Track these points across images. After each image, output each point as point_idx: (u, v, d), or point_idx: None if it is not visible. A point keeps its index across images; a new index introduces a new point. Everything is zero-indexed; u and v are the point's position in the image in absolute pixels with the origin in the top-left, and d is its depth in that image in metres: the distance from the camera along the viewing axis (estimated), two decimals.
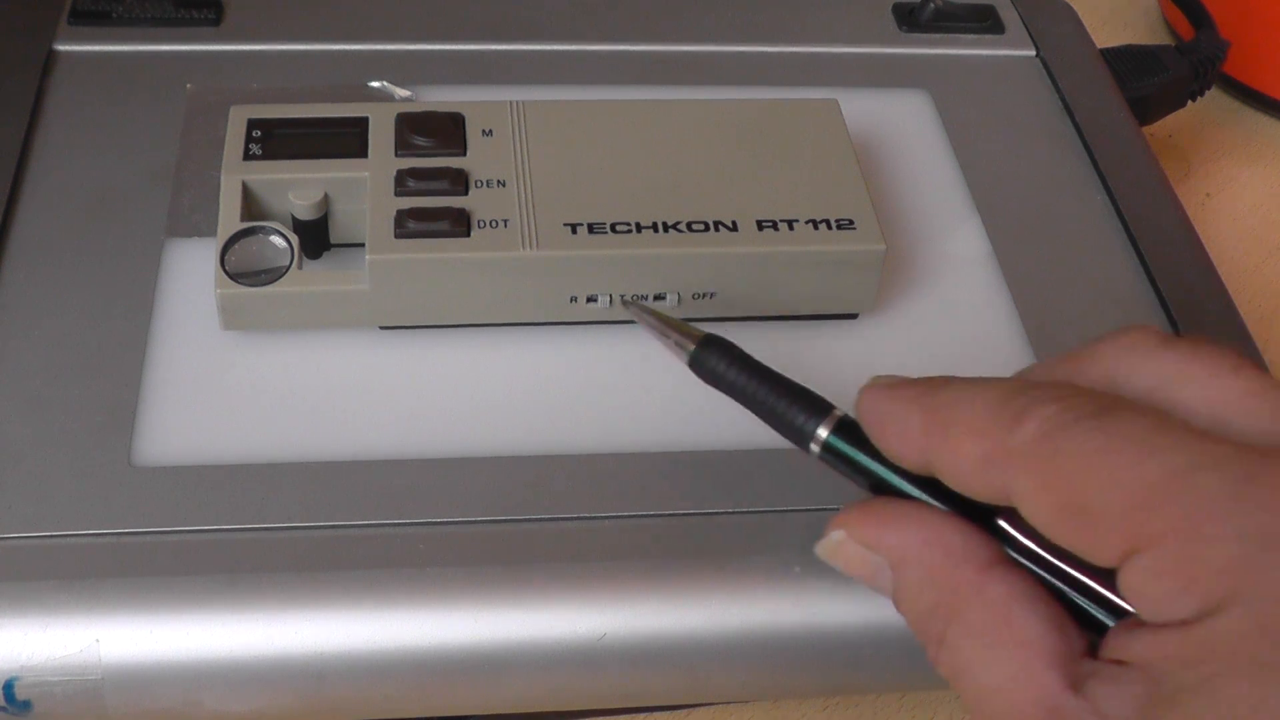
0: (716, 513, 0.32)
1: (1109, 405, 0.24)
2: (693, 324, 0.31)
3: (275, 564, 0.30)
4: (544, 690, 0.31)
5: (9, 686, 0.29)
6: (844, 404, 0.29)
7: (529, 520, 0.32)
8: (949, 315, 0.38)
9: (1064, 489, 0.24)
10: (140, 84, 0.42)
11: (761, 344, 0.36)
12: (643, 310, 0.32)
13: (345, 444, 0.33)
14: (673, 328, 0.31)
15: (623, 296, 0.34)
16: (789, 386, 0.30)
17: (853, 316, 0.37)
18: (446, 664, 0.30)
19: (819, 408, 0.29)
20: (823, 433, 0.29)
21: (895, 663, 0.30)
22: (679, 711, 0.38)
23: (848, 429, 0.29)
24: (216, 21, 0.44)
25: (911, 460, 0.27)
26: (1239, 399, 0.25)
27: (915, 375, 0.28)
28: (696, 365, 0.31)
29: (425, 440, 0.33)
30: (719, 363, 0.30)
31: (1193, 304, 0.38)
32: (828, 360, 0.36)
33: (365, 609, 0.30)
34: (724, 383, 0.30)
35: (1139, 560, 0.23)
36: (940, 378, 0.27)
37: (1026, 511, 0.25)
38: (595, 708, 0.36)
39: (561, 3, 0.47)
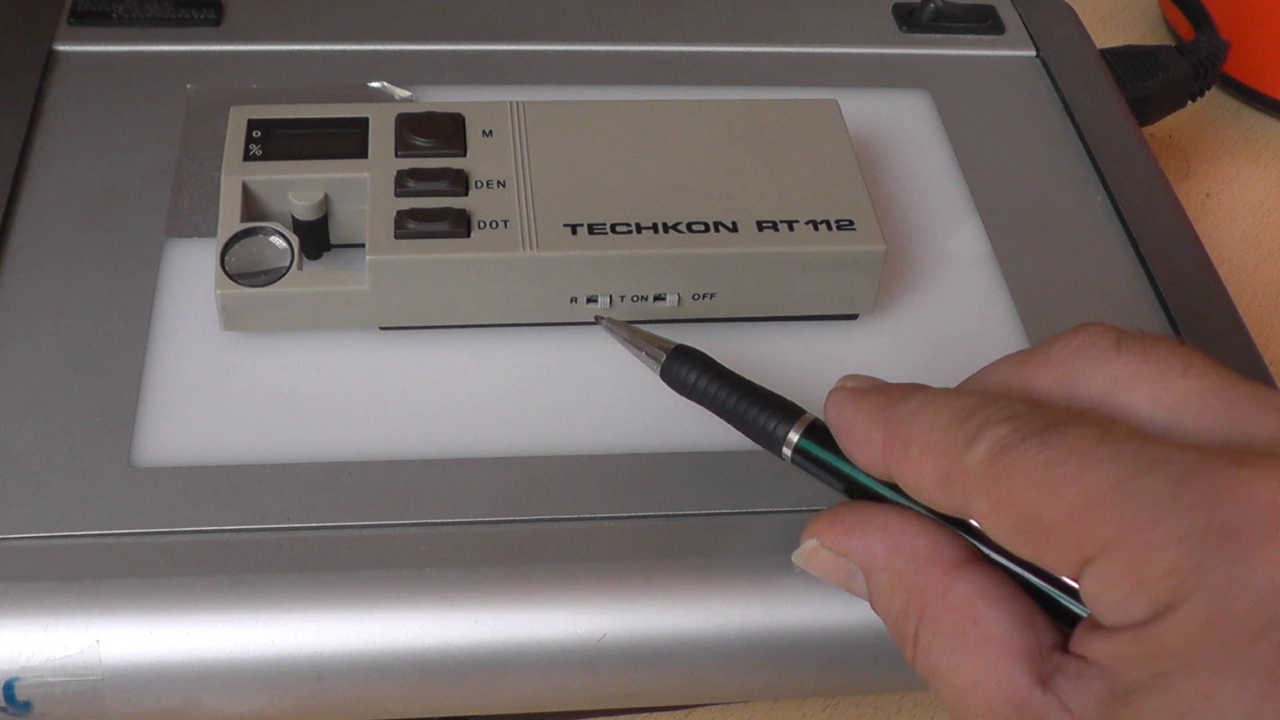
0: (717, 513, 0.32)
1: (1056, 421, 0.24)
2: (662, 334, 0.32)
3: (275, 564, 0.30)
4: (544, 690, 0.31)
5: (9, 687, 0.29)
6: None
7: (529, 520, 0.31)
8: (949, 315, 0.38)
9: (1016, 508, 0.24)
10: (140, 84, 0.42)
11: (761, 344, 0.36)
12: (613, 324, 0.32)
13: (345, 444, 0.33)
14: (644, 339, 0.31)
15: (596, 315, 0.34)
16: (759, 393, 0.30)
17: (853, 317, 0.37)
18: (446, 664, 0.30)
19: (789, 413, 0.29)
20: (794, 437, 0.29)
21: (895, 663, 0.30)
22: (679, 711, 0.38)
23: (818, 433, 0.29)
24: (216, 21, 0.44)
25: (876, 471, 0.27)
26: (1188, 399, 0.25)
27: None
28: (668, 376, 0.31)
29: (425, 440, 0.33)
30: (690, 372, 0.30)
31: (1193, 304, 0.38)
32: (828, 360, 0.36)
33: (365, 609, 0.30)
34: (695, 392, 0.30)
35: (1092, 569, 0.23)
36: (902, 388, 0.27)
37: (986, 529, 0.25)
38: (595, 708, 0.36)
39: (561, 3, 0.47)
